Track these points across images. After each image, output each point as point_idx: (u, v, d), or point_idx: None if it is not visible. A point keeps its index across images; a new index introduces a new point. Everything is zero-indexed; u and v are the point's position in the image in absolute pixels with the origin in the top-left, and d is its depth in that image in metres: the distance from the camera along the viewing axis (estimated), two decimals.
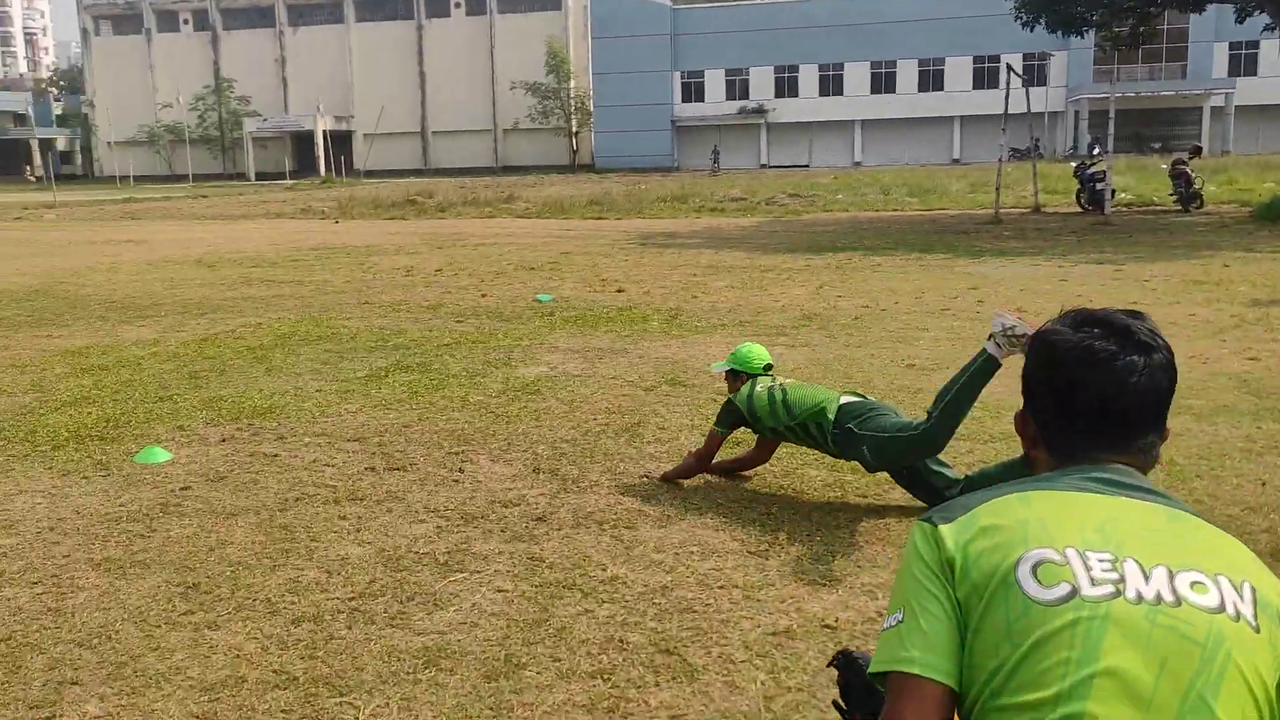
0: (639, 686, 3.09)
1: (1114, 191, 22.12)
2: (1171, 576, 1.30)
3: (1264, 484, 4.69)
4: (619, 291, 11.81)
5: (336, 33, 76.61)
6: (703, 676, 3.14)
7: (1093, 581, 1.30)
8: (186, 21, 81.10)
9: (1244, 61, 56.15)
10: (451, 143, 74.28)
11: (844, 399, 4.59)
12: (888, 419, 4.39)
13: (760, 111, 63.59)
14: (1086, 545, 1.33)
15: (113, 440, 5.95)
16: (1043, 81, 54.62)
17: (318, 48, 77.07)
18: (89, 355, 8.62)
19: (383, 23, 75.49)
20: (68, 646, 3.43)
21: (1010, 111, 22.51)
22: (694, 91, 65.03)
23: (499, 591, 3.78)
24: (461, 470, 5.23)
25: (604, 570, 3.95)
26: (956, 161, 57.93)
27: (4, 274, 15.35)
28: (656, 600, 3.68)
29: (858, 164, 60.22)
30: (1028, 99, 24.75)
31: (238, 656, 3.34)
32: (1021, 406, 1.58)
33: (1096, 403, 1.46)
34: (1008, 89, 22.15)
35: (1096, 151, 22.81)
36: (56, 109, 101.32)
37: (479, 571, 3.97)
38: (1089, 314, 1.54)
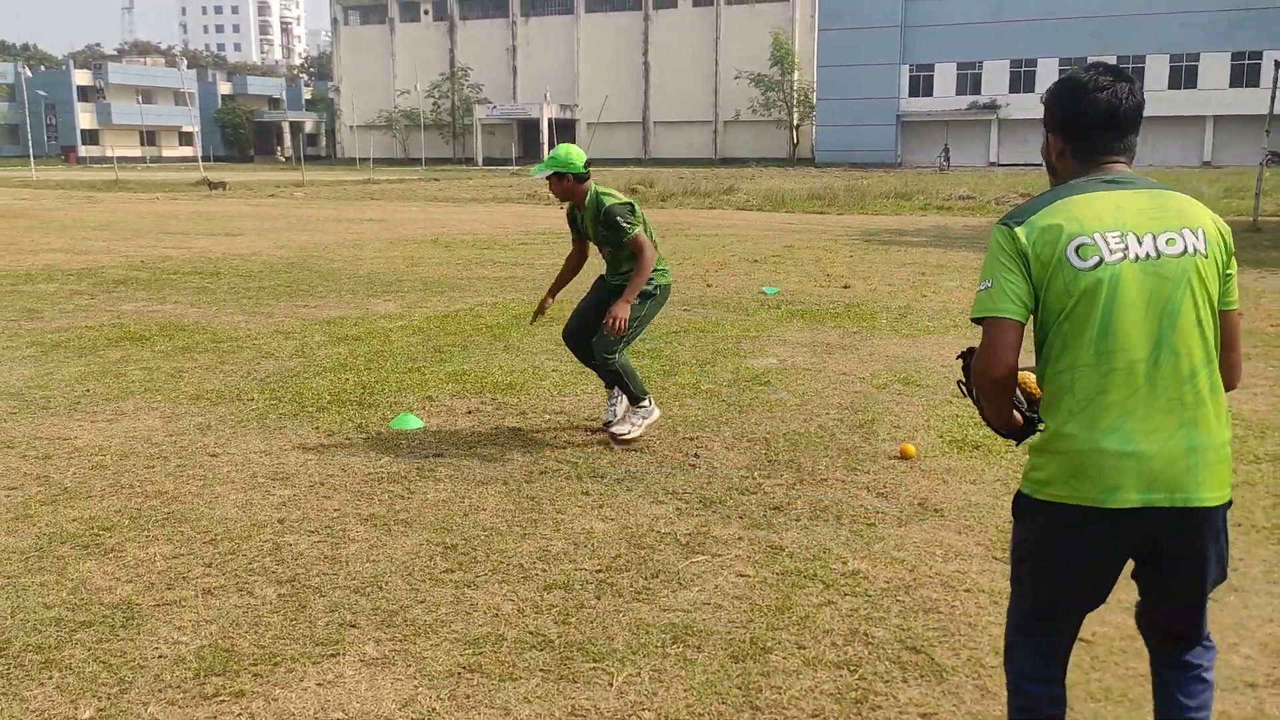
0: (886, 681, 3.08)
1: None
2: (1155, 239, 2.13)
3: None
4: (845, 287, 11.66)
5: (565, 23, 79.15)
6: (952, 678, 3.09)
7: (1110, 252, 2.12)
8: (427, 12, 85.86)
9: None
10: (672, 133, 75.33)
11: None
12: None
13: (992, 107, 61.00)
14: (1105, 229, 2.13)
15: (369, 406, 6.42)
16: None
17: (547, 37, 79.93)
18: (343, 325, 9.32)
19: (610, 14, 77.37)
20: (344, 593, 3.75)
21: (1275, 112, 20.60)
22: (922, 85, 63.09)
23: (740, 576, 3.85)
24: (697, 456, 5.34)
25: (844, 564, 3.95)
26: (1207, 164, 53.63)
27: (264, 247, 16.79)
28: (900, 597, 3.65)
29: None
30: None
31: (496, 615, 3.55)
32: (1047, 138, 2.33)
33: (1106, 111, 2.20)
34: (1275, 87, 20.28)
35: None
36: (306, 94, 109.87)
37: (719, 555, 4.05)
38: (1089, 65, 2.28)
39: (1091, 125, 2.20)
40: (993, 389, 2.18)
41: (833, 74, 63.51)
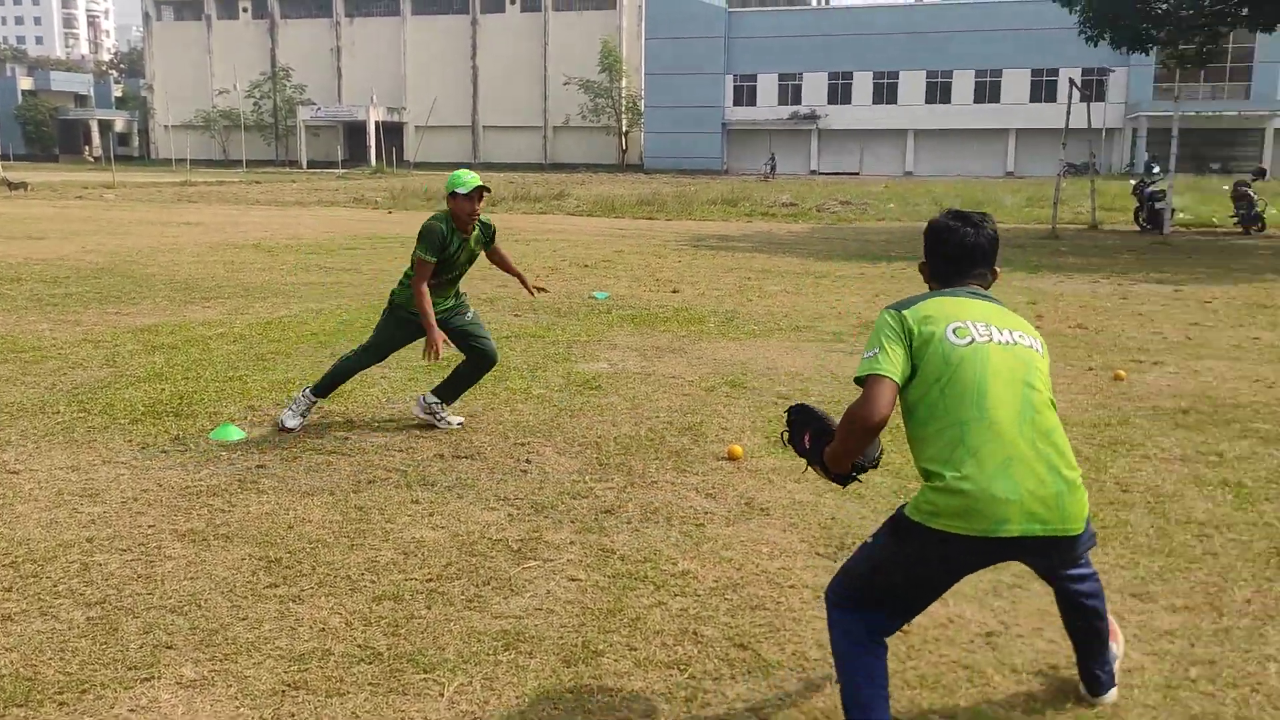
0: (715, 679, 3.15)
1: (1173, 211, 21.83)
2: (1010, 331, 2.67)
3: None
4: (674, 292, 11.87)
5: (391, 24, 77.44)
6: (778, 672, 3.20)
7: (979, 335, 2.62)
8: (245, 9, 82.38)
9: None
10: (501, 137, 74.83)
11: None
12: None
13: (812, 117, 63.35)
14: (973, 319, 2.65)
15: (187, 416, 6.11)
16: (1102, 97, 53.89)
17: (372, 39, 77.98)
18: (158, 333, 8.83)
19: (438, 16, 76.19)
20: (160, 612, 3.56)
21: (1070, 126, 22.28)
22: (746, 95, 64.91)
23: (572, 580, 3.86)
24: (529, 461, 5.32)
25: (674, 564, 4.02)
26: (1010, 174, 57.37)
27: (71, 251, 15.71)
28: (728, 596, 3.74)
29: (909, 174, 59.80)
30: (1088, 114, 24.46)
31: (323, 630, 3.44)
32: (920, 264, 2.97)
33: (959, 247, 2.83)
34: (1069, 103, 21.91)
35: (1155, 170, 22.48)
36: (116, 91, 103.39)
37: (551, 560, 4.05)
38: (953, 211, 2.91)
39: (949, 258, 2.83)
40: (865, 435, 2.61)
41: (660, 82, 64.58)
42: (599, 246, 17.61)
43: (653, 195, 31.59)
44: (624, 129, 71.25)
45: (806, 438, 2.91)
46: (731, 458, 5.41)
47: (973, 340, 2.59)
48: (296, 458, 5.34)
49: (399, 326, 5.86)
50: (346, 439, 5.70)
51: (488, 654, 3.29)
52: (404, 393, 6.76)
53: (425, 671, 3.18)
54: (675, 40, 63.64)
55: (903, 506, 2.63)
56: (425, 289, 5.57)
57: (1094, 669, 2.98)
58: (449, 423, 5.94)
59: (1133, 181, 24.57)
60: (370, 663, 3.23)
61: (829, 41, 62.35)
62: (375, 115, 71.83)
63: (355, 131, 75.17)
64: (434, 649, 3.32)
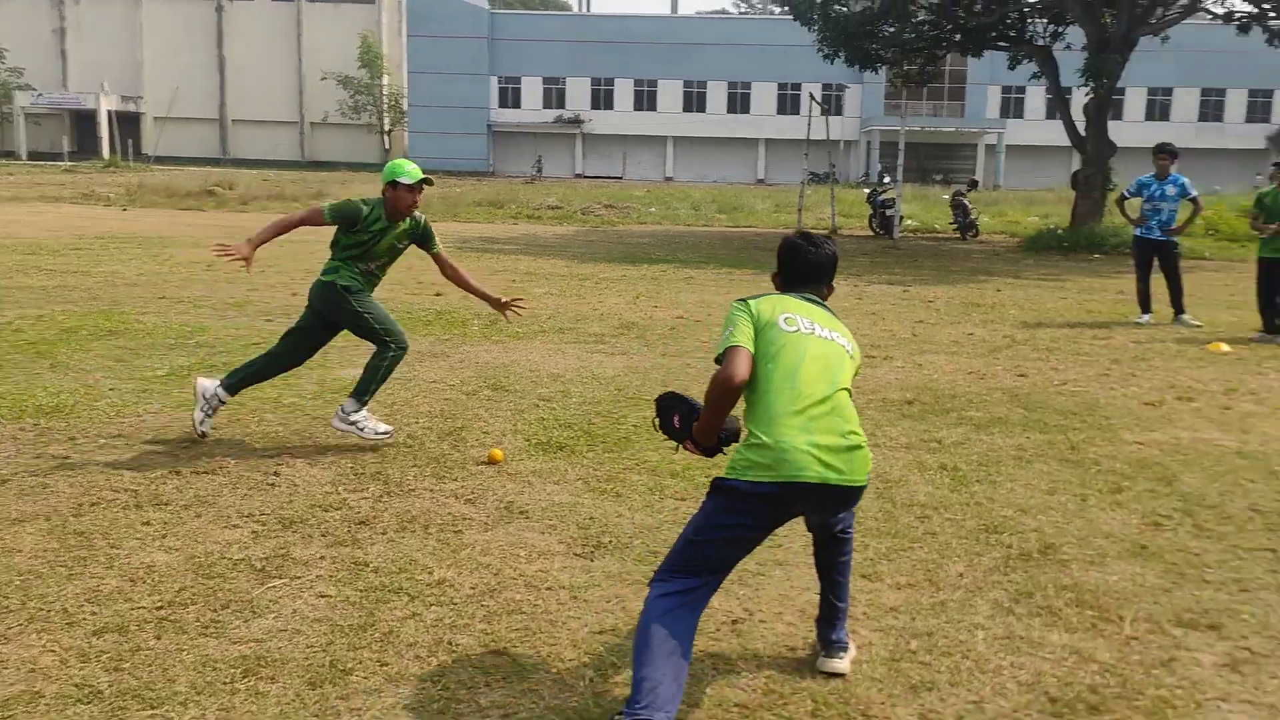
0: (469, 688, 3.12)
1: (902, 218, 23.62)
2: (830, 330, 3.18)
3: (1052, 492, 5.18)
4: (437, 295, 11.67)
5: (125, 7, 71.62)
6: (533, 676, 3.20)
7: (805, 326, 3.14)
8: None
9: (1014, 105, 61.04)
10: (254, 132, 70.81)
11: None
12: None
13: (577, 122, 64.00)
14: (802, 314, 3.17)
15: None
16: (839, 111, 57.52)
17: (103, 21, 71.80)
18: None
19: (178, 1, 71.26)
20: None
21: (811, 137, 23.66)
22: (511, 97, 64.71)
23: (321, 597, 3.71)
24: (277, 474, 5.07)
25: (430, 574, 3.94)
26: (761, 182, 60.16)
27: None
28: (485, 602, 3.71)
29: (669, 179, 61.54)
30: (827, 127, 26.06)
31: (33, 670, 3.14)
32: (772, 274, 3.45)
33: (802, 263, 3.34)
34: (809, 116, 23.27)
35: (887, 180, 24.31)
36: None
37: (299, 577, 3.88)
38: (801, 233, 3.45)
39: (795, 271, 3.35)
40: (729, 395, 3.05)
41: (423, 81, 63.28)
42: None
43: None
44: (387, 128, 69.28)
45: (676, 420, 3.30)
46: (492, 462, 5.38)
47: (798, 330, 3.12)
48: (6, 481, 4.84)
49: (314, 315, 5.67)
50: (67, 458, 5.23)
51: (224, 683, 3.10)
52: (136, 406, 6.27)
53: (152, 707, 2.96)
54: (438, 39, 62.54)
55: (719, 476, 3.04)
56: (287, 218, 5.47)
57: (830, 635, 3.30)
58: (375, 431, 5.63)
59: (866, 190, 26.38)
60: (89, 702, 2.97)
61: (591, 47, 63.18)
62: (107, 104, 66.20)
63: (84, 121, 69.00)
64: (163, 682, 3.09)
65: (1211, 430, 6.46)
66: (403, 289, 12.09)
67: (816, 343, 3.12)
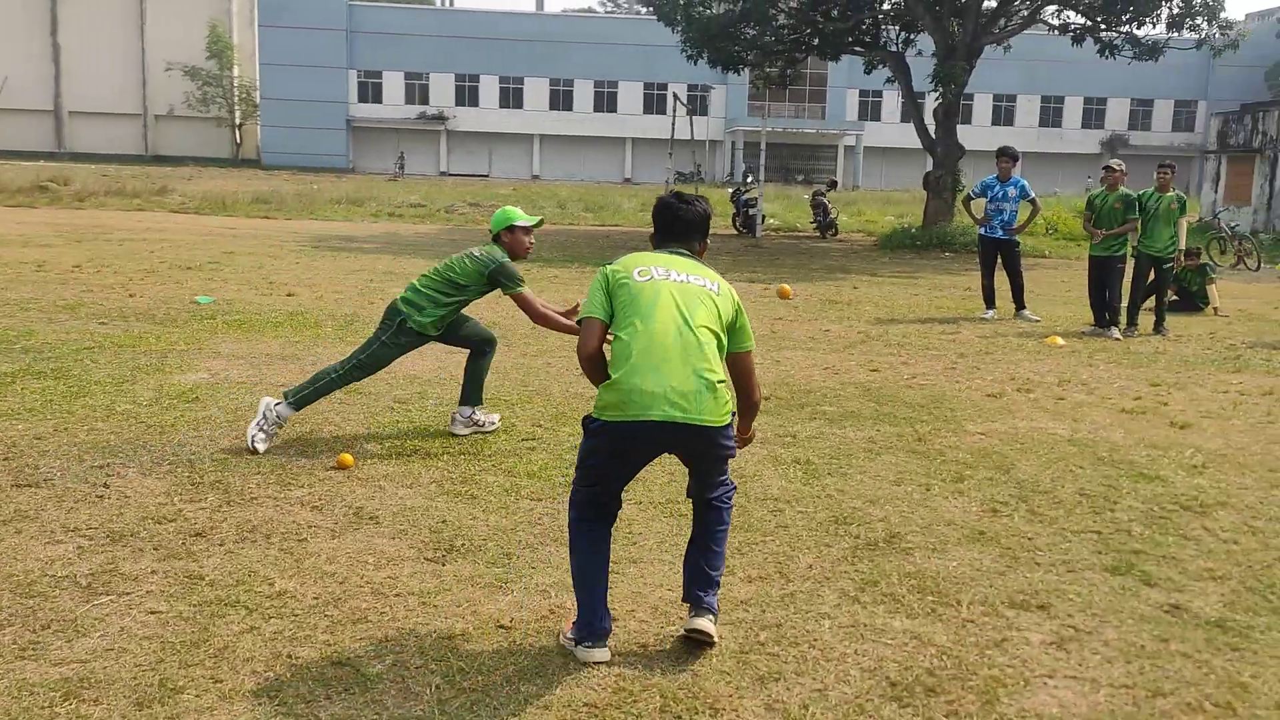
0: (308, 701, 3.01)
1: (764, 217, 24.12)
2: (687, 275, 3.35)
3: (897, 483, 5.35)
4: (289, 295, 11.28)
5: None
6: (377, 685, 3.11)
7: (658, 274, 3.34)
8: None
9: (872, 108, 63.20)
10: (92, 125, 67.01)
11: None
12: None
13: (441, 118, 63.00)
14: (658, 265, 3.38)
15: None
16: (705, 112, 58.34)
17: None
18: None
19: None
20: None
21: (676, 137, 23.92)
22: (371, 92, 63.19)
23: (152, 613, 3.52)
24: (106, 485, 4.79)
25: (271, 585, 3.79)
26: (628, 181, 60.49)
27: None
28: (328, 612, 3.59)
29: (536, 177, 61.27)
30: (691, 127, 26.42)
31: None
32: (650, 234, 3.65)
33: (673, 220, 3.53)
34: (674, 116, 23.52)
35: (750, 180, 24.77)
36: None
37: (128, 593, 3.67)
38: (676, 192, 3.60)
39: (667, 227, 3.54)
40: (587, 363, 3.38)
41: (277, 73, 61.15)
42: (206, 247, 16.36)
43: (271, 193, 29.87)
44: (238, 121, 66.62)
45: None
46: (341, 467, 5.22)
47: (651, 278, 3.31)
48: None
49: (397, 349, 5.77)
50: None
51: (42, 707, 2.91)
52: None
53: None
54: (292, 30, 60.52)
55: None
56: (546, 309, 5.72)
57: (699, 594, 3.42)
58: (492, 423, 6.04)
59: (730, 190, 26.84)
60: None
61: (455, 43, 62.26)
62: None
63: None
64: None
65: (1046, 420, 6.80)
66: (253, 290, 11.66)
67: (670, 287, 3.29)
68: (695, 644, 3.37)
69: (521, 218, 5.78)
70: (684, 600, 3.46)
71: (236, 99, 65.35)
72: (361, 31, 62.00)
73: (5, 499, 4.56)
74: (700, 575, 3.42)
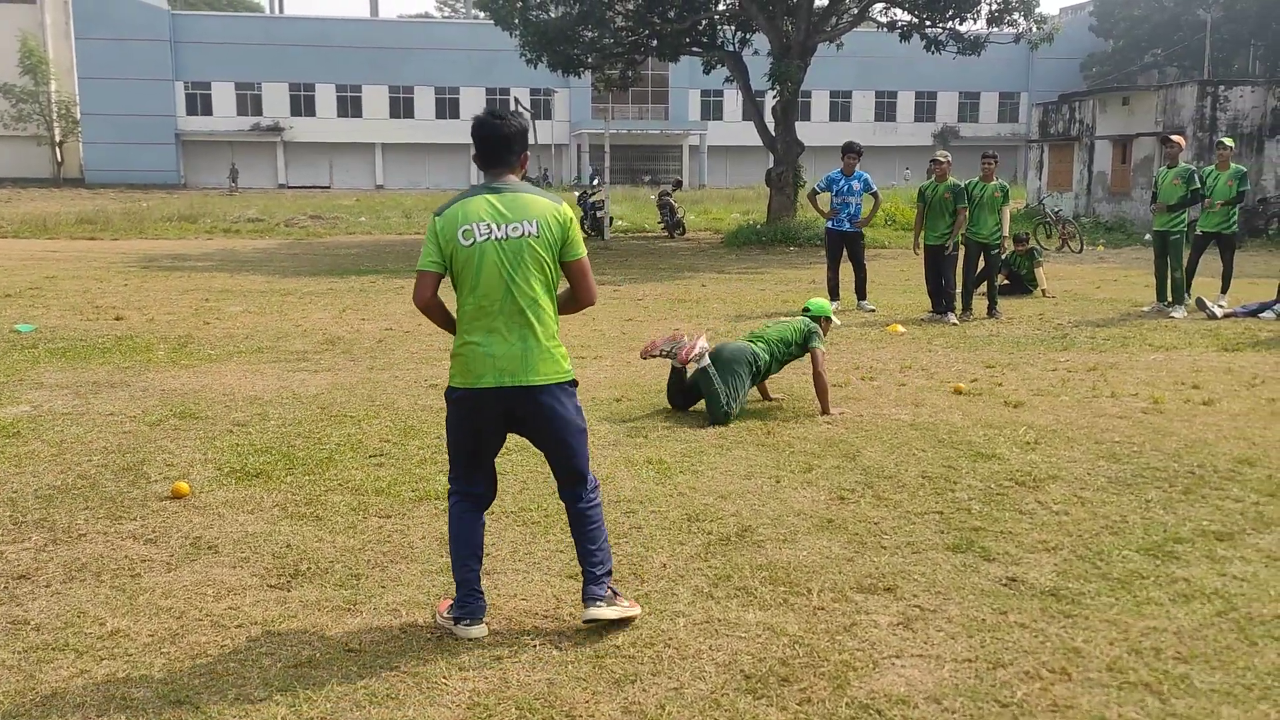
0: None
1: (612, 219, 24.27)
2: (506, 227, 3.39)
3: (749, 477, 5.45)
4: (117, 319, 10.70)
5: None
6: None
7: (480, 235, 3.38)
8: None
9: (714, 107, 64.42)
10: None
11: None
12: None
13: (276, 129, 60.87)
14: (479, 220, 3.39)
15: None
16: (549, 116, 58.28)
17: None
18: None
19: None
20: None
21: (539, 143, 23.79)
22: (201, 104, 60.53)
23: None
24: None
25: (103, 625, 3.58)
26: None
27: None
28: (165, 650, 3.42)
29: (380, 187, 59.93)
30: (535, 131, 26.31)
31: None
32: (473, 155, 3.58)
33: (487, 138, 3.50)
34: (533, 125, 23.35)
35: (596, 181, 24.90)
36: None
37: None
38: (490, 109, 3.56)
39: (483, 145, 3.51)
40: (426, 313, 3.52)
41: (97, 87, 57.88)
42: (26, 272, 15.37)
43: (96, 212, 28.29)
44: (58, 139, 62.70)
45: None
46: (177, 496, 4.98)
47: (474, 241, 3.37)
48: None
49: None
50: None
51: None
52: None
53: None
54: (112, 42, 57.38)
55: None
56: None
57: (591, 589, 3.56)
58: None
59: (577, 193, 26.89)
60: None
61: (288, 51, 60.25)
62: None
63: None
64: None
65: (890, 406, 7.06)
66: (78, 315, 11.01)
67: (493, 249, 3.37)
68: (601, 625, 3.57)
69: None
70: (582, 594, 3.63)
71: (55, 115, 61.46)
72: (187, 41, 59.35)
73: None
74: (586, 575, 3.60)
